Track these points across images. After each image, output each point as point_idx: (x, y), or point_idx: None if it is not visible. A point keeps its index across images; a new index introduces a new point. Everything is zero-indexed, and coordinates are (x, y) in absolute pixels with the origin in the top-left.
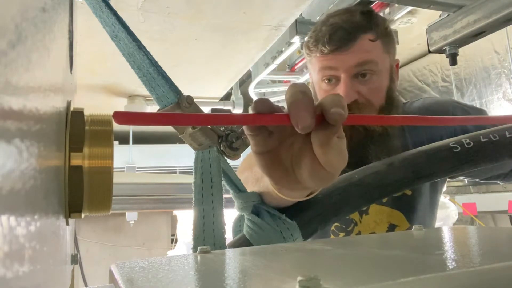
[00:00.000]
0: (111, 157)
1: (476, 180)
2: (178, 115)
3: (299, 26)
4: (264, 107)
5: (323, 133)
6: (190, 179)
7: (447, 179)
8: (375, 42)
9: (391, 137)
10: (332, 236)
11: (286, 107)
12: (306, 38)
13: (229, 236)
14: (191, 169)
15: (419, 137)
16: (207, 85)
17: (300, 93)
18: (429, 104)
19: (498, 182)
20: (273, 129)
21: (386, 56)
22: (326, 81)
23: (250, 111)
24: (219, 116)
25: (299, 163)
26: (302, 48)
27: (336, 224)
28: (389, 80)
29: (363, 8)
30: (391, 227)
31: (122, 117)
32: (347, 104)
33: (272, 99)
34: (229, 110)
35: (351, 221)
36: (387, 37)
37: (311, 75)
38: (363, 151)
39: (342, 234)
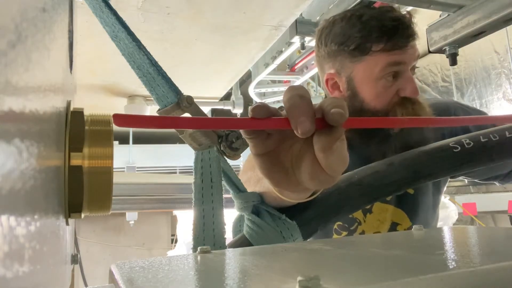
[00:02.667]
0: (111, 157)
1: (475, 180)
2: (178, 119)
3: (299, 26)
4: (263, 113)
5: (326, 137)
6: (190, 179)
7: (448, 179)
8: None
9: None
10: (334, 235)
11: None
12: (355, 34)
13: (229, 236)
14: (191, 169)
15: (420, 136)
16: (207, 85)
17: (298, 97)
18: (430, 105)
19: (495, 183)
20: (272, 131)
21: None
22: (389, 78)
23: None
24: (219, 120)
25: (299, 165)
26: (348, 48)
27: (338, 222)
28: None
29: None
30: (393, 225)
31: (121, 119)
32: (410, 98)
33: (272, 99)
34: (229, 110)
35: (354, 220)
36: None
37: (341, 75)
38: (385, 145)
39: (344, 233)
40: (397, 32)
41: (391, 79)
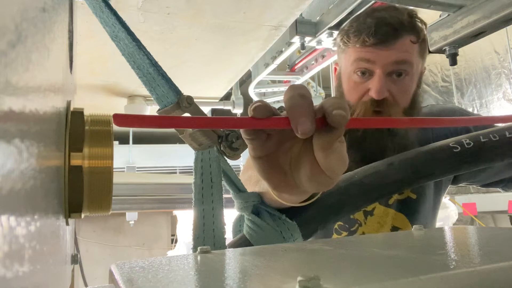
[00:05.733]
0: (111, 157)
1: (477, 186)
2: (178, 118)
3: (299, 26)
4: (264, 112)
5: (325, 137)
6: (190, 179)
7: (449, 185)
8: (414, 45)
9: (410, 137)
10: (334, 235)
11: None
12: (345, 27)
13: (229, 236)
14: (191, 169)
15: (424, 139)
16: (207, 85)
17: (298, 96)
18: (437, 111)
19: (499, 189)
20: (271, 132)
21: (420, 60)
22: (359, 74)
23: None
24: (218, 120)
25: (298, 167)
26: (338, 37)
27: (339, 223)
28: (417, 84)
29: (410, 9)
30: (394, 230)
31: (121, 119)
32: (377, 100)
33: (272, 99)
34: (229, 110)
35: (355, 221)
36: (424, 43)
37: (339, 65)
38: (381, 150)
39: (344, 233)
40: (374, 29)
41: (362, 76)
